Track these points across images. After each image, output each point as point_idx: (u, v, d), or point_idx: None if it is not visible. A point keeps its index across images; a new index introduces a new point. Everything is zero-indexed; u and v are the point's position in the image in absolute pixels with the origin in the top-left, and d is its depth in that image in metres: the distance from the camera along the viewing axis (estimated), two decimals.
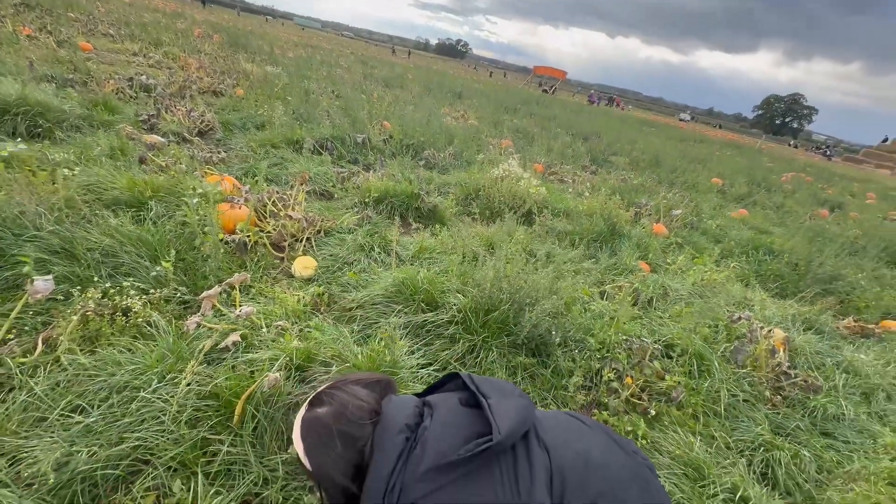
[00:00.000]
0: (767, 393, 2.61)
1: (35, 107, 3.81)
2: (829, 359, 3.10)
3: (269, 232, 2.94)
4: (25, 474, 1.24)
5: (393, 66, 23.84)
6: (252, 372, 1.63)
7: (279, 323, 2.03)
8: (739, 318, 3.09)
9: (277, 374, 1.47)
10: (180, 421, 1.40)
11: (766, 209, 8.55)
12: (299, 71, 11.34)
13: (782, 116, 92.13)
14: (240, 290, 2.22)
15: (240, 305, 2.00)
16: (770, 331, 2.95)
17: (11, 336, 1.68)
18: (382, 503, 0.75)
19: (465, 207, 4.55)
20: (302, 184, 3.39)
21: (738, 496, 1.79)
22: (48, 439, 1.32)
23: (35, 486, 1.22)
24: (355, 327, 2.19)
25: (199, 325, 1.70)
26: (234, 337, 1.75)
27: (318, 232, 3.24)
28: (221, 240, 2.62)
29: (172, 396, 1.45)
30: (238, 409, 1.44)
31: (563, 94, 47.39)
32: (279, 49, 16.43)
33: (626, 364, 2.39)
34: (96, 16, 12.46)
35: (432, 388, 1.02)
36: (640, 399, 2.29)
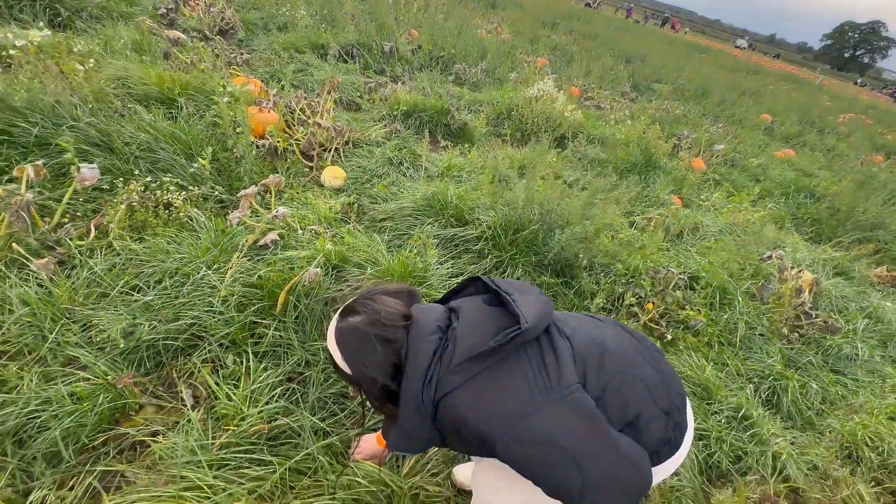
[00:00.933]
0: (785, 330, 2.64)
1: None
2: (853, 304, 3.07)
3: (297, 139, 2.90)
4: (97, 339, 1.38)
5: None
6: (291, 268, 1.71)
7: (313, 227, 2.07)
8: (770, 257, 3.04)
9: (317, 269, 1.53)
10: (230, 305, 1.50)
11: (814, 151, 7.98)
12: None
13: (853, 49, 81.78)
14: (274, 194, 2.25)
15: (275, 207, 2.04)
16: (800, 271, 2.91)
17: (66, 220, 1.76)
18: (421, 396, 0.80)
19: (495, 128, 4.36)
20: (330, 91, 3.26)
21: (740, 415, 1.89)
22: (112, 312, 1.45)
23: (106, 350, 1.36)
24: (385, 237, 2.23)
25: (240, 221, 1.76)
26: (273, 235, 1.81)
27: (347, 143, 3.18)
28: (252, 143, 2.60)
29: (220, 283, 1.54)
30: (281, 299, 1.53)
31: (608, 9, 42.65)
32: None
33: (649, 291, 2.42)
34: None
35: (452, 294, 1.04)
36: (658, 325, 2.35)
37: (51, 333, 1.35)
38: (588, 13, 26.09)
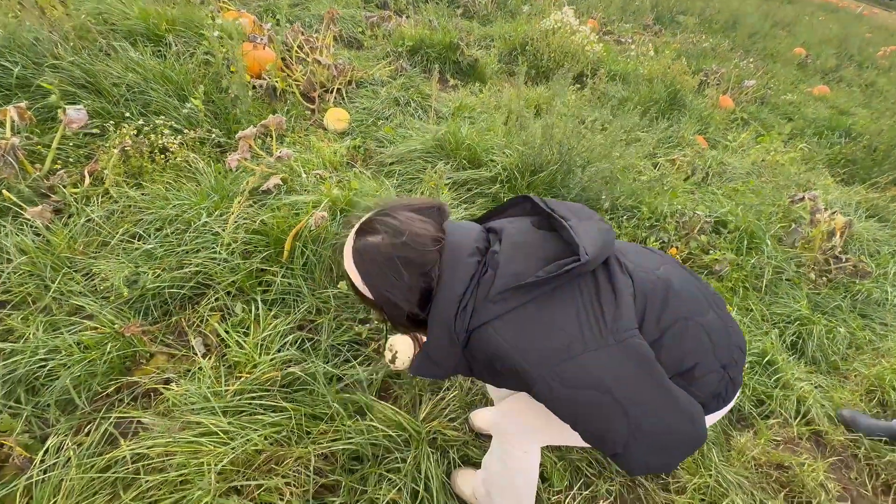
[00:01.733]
0: (812, 275, 2.53)
1: None
2: (886, 247, 2.93)
3: (296, 79, 2.70)
4: (101, 288, 1.33)
5: None
6: (296, 213, 1.62)
7: (317, 171, 1.96)
8: (802, 199, 2.86)
9: (324, 213, 1.44)
10: (234, 252, 1.43)
11: (851, 87, 7.40)
12: None
13: None
14: (274, 137, 2.11)
15: (277, 150, 1.92)
16: (833, 213, 2.74)
17: (58, 166, 1.67)
18: (453, 324, 0.72)
19: (508, 65, 4.05)
20: (330, 23, 3.00)
21: (765, 360, 1.84)
22: (114, 260, 1.39)
23: (111, 299, 1.32)
24: (394, 181, 2.11)
25: (239, 164, 1.65)
26: (276, 179, 1.70)
27: (349, 83, 2.97)
28: (248, 83, 2.42)
29: (223, 230, 1.47)
30: (287, 245, 1.46)
31: None
32: None
33: (673, 235, 2.30)
34: None
35: (493, 214, 0.92)
36: None
37: (53, 282, 1.30)
38: None
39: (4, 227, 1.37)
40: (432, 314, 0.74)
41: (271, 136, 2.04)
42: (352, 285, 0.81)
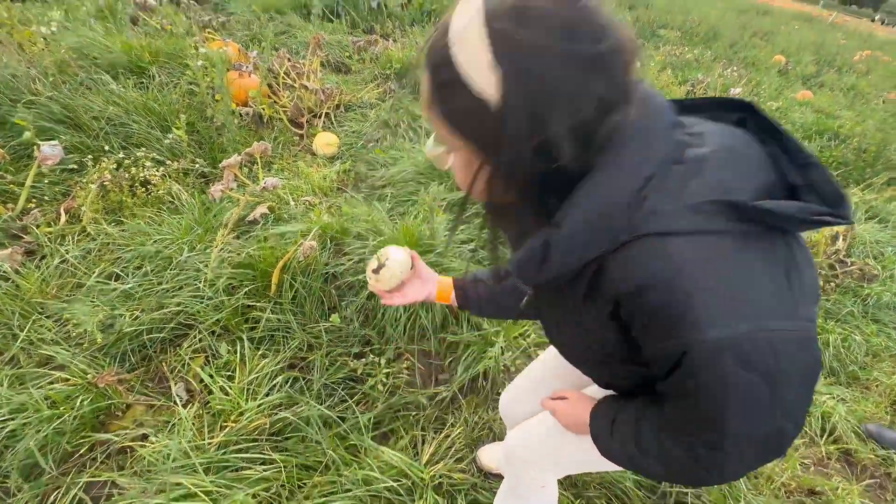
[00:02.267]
0: (820, 281, 2.48)
1: None
2: (889, 248, 2.88)
3: (284, 105, 2.66)
4: (74, 334, 1.24)
5: None
6: (285, 244, 1.54)
7: (306, 198, 1.89)
8: None
9: (313, 242, 1.36)
10: (218, 288, 1.35)
11: (834, 91, 7.54)
12: None
13: None
14: (261, 164, 2.05)
15: (263, 178, 1.85)
16: None
17: (32, 205, 1.59)
18: (618, 215, 0.45)
19: None
20: (316, 48, 2.98)
21: None
22: (89, 303, 1.30)
23: (84, 346, 1.22)
24: (386, 205, 2.04)
25: (223, 194, 1.57)
26: (262, 209, 1.63)
27: (338, 107, 2.94)
28: (234, 111, 2.38)
29: (205, 265, 1.38)
30: (274, 279, 1.37)
31: None
32: None
33: None
34: None
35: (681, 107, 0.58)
36: None
37: (21, 331, 1.21)
38: None
39: None
40: (594, 183, 0.45)
41: (258, 164, 1.97)
42: (444, 80, 0.43)
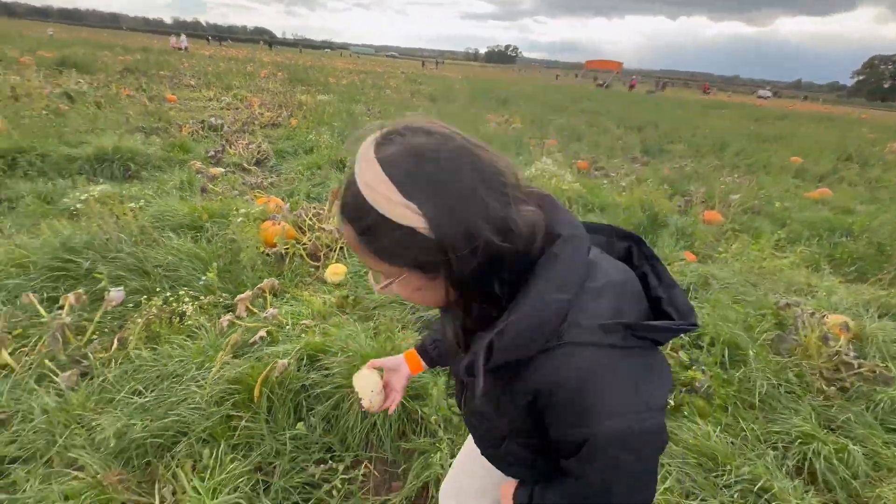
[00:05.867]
0: (821, 384, 2.38)
1: (127, 153, 4.59)
2: None
3: (304, 244, 3.27)
4: (97, 439, 1.57)
5: (443, 79, 24.54)
6: (274, 362, 1.87)
7: (305, 322, 2.28)
8: (787, 305, 2.83)
9: (285, 361, 1.69)
10: (210, 401, 1.67)
11: (854, 186, 7.54)
12: (350, 96, 12.17)
13: (891, 79, 79.35)
14: (274, 294, 2.52)
15: (270, 307, 2.29)
16: (824, 317, 2.67)
17: (95, 336, 2.09)
18: (547, 326, 0.54)
19: None
20: (334, 198, 3.71)
21: (756, 486, 1.68)
22: (115, 415, 1.65)
23: (101, 449, 1.54)
24: (372, 324, 2.38)
25: (231, 324, 2.00)
26: (262, 333, 2.02)
27: None
28: (263, 252, 2.99)
29: (205, 381, 1.73)
30: (256, 391, 1.68)
31: (621, 85, 45.27)
32: (334, 78, 17.71)
33: None
34: (181, 70, 14.40)
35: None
36: None
37: (60, 437, 1.56)
38: (599, 93, 27.93)
39: (36, 390, 1.71)
40: (536, 292, 0.54)
41: (266, 295, 2.44)
42: (366, 226, 0.51)
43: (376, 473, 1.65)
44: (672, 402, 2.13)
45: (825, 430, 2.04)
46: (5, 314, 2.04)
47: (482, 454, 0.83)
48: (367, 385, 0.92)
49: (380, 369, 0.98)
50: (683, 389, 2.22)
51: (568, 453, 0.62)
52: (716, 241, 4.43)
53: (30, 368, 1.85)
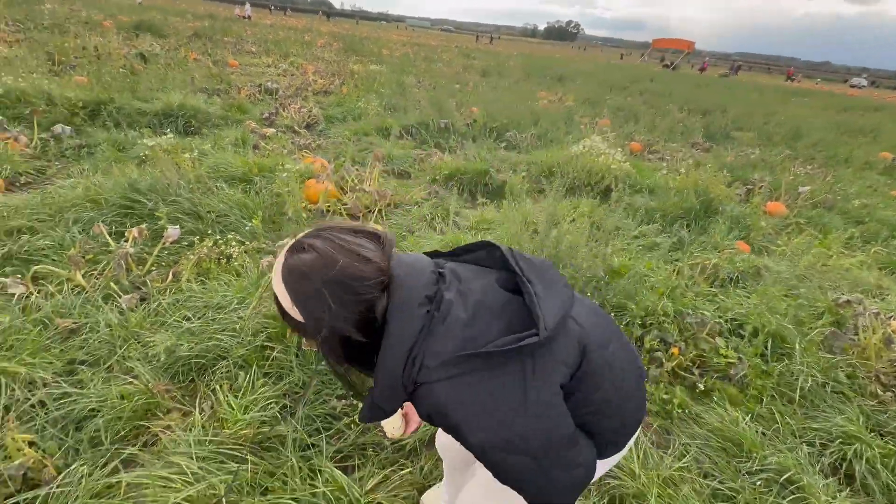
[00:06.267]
0: (876, 388, 2.19)
1: (190, 110, 4.89)
2: None
3: (345, 203, 3.38)
4: (150, 355, 1.75)
5: (496, 55, 23.85)
6: None
7: None
8: (847, 302, 2.60)
9: None
10: (248, 331, 1.80)
11: None
12: (401, 68, 12.14)
13: None
14: None
15: None
16: (890, 318, 2.43)
17: (153, 268, 2.30)
18: (401, 374, 0.70)
19: (537, 184, 4.53)
20: (376, 161, 3.78)
21: (783, 478, 1.60)
22: (164, 335, 1.83)
23: (153, 363, 1.72)
24: None
25: (269, 265, 2.12)
26: None
27: (389, 205, 3.59)
28: (306, 207, 3.12)
29: (245, 314, 1.87)
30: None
31: (689, 68, 41.94)
32: (387, 50, 17.71)
33: (677, 337, 2.24)
34: (244, 37, 14.95)
35: (456, 252, 0.90)
36: (689, 373, 2.13)
37: (119, 349, 1.75)
38: (665, 74, 26.07)
39: (103, 307, 1.92)
40: (379, 362, 0.71)
41: None
42: (279, 307, 0.73)
43: None
44: (702, 387, 2.05)
45: (872, 434, 1.89)
46: (80, 241, 2.28)
47: None
48: (389, 420, 1.08)
49: None
50: (715, 375, 2.13)
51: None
52: (775, 234, 4.11)
53: (98, 289, 2.07)
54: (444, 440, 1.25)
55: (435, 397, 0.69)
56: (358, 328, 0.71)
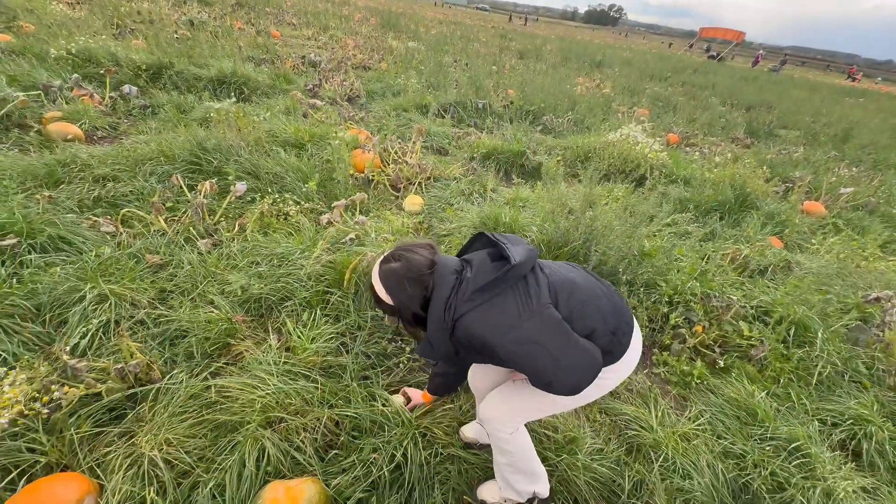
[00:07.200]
0: (895, 381, 2.27)
1: (241, 78, 5.12)
2: None
3: (388, 174, 3.56)
4: (227, 291, 2.00)
5: (533, 38, 23.31)
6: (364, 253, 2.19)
7: (385, 235, 2.58)
8: (876, 299, 2.64)
9: (373, 254, 1.98)
10: (310, 277, 2.02)
11: None
12: (438, 46, 12.10)
13: None
14: (359, 209, 2.84)
15: (357, 216, 2.60)
16: None
17: (223, 219, 2.55)
18: (443, 317, 1.09)
19: (571, 169, 4.60)
20: (419, 135, 3.93)
21: (791, 445, 1.73)
22: (238, 276, 2.07)
23: (230, 298, 1.96)
24: (444, 248, 2.63)
25: (329, 222, 2.33)
26: (351, 234, 2.34)
27: (429, 178, 3.75)
28: (352, 175, 3.31)
29: (307, 262, 2.09)
30: (347, 276, 2.00)
31: (740, 59, 39.93)
32: (424, 27, 17.56)
33: (702, 317, 2.35)
34: (284, 8, 15.10)
35: (464, 248, 1.33)
36: (710, 350, 2.26)
37: (200, 284, 2.00)
38: (710, 65, 24.94)
39: (184, 248, 2.18)
40: (430, 312, 1.12)
41: (357, 208, 2.76)
42: (375, 296, 1.20)
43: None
44: (722, 364, 2.17)
45: (884, 419, 1.99)
46: (160, 191, 2.54)
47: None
48: (398, 399, 1.63)
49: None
50: (735, 355, 2.24)
51: (503, 364, 1.16)
52: (810, 233, 4.09)
53: (177, 234, 2.33)
54: (475, 382, 1.51)
55: (468, 324, 1.08)
56: (421, 306, 1.15)
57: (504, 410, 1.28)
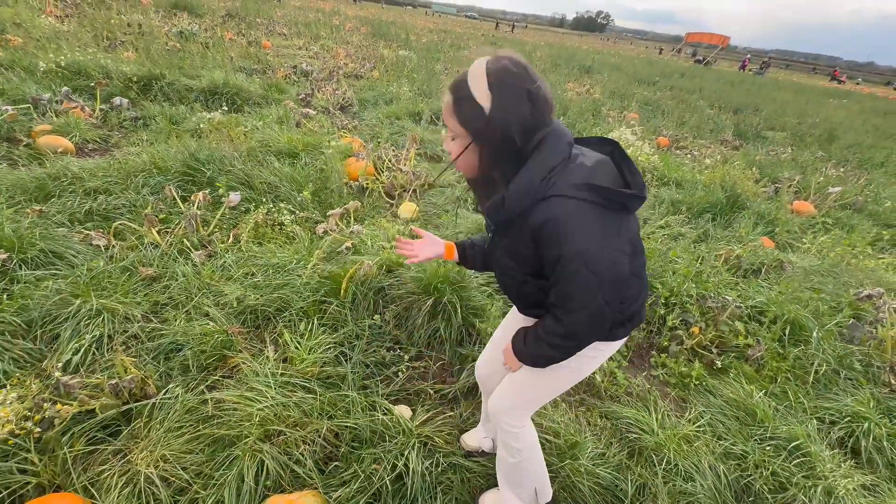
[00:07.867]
0: (889, 378, 2.29)
1: (233, 88, 5.11)
2: None
3: (382, 182, 3.56)
4: (222, 303, 1.97)
5: (522, 44, 23.57)
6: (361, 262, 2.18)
7: (381, 243, 2.57)
8: (868, 297, 2.68)
9: (370, 262, 1.97)
10: (307, 287, 2.01)
11: None
12: (429, 54, 12.19)
13: None
14: (355, 218, 2.83)
15: (352, 226, 2.60)
16: None
17: (216, 229, 2.52)
18: (538, 186, 0.87)
19: None
20: (412, 143, 3.94)
21: (791, 445, 1.74)
22: (233, 287, 2.05)
23: (226, 310, 1.94)
24: None
25: (325, 232, 2.32)
26: (347, 244, 2.33)
27: (423, 185, 3.76)
28: (346, 183, 3.31)
29: (303, 272, 2.07)
30: (344, 285, 1.99)
31: (725, 63, 40.67)
32: (414, 35, 17.69)
33: (698, 318, 2.37)
34: (275, 19, 15.15)
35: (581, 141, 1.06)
36: (708, 351, 2.27)
37: (195, 296, 1.98)
38: (697, 70, 25.37)
39: (178, 260, 2.15)
40: (523, 172, 0.88)
41: (351, 217, 2.76)
42: (462, 92, 0.87)
43: (435, 369, 1.92)
44: (719, 364, 2.18)
45: (881, 416, 2.00)
46: (153, 202, 2.52)
47: (511, 299, 1.17)
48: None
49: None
50: (732, 355, 2.25)
51: (550, 271, 0.92)
52: (801, 233, 4.15)
53: (172, 245, 2.31)
54: (483, 371, 1.44)
55: (561, 208, 0.86)
56: (520, 136, 0.86)
57: (512, 401, 1.20)
